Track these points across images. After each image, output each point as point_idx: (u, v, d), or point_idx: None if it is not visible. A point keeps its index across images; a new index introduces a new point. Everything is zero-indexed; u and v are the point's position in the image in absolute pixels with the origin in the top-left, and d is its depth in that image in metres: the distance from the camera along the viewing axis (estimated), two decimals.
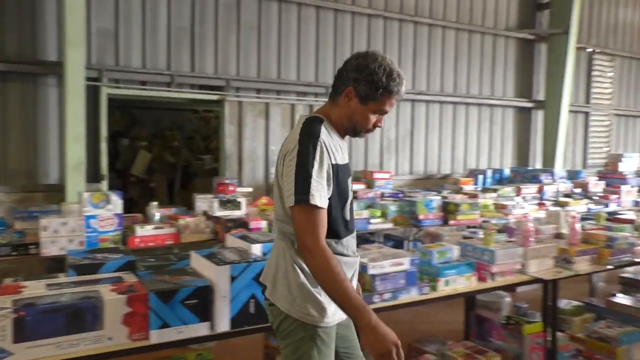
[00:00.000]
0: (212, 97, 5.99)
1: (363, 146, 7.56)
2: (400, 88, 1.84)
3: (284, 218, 1.83)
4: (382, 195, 5.80)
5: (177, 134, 8.96)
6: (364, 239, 5.57)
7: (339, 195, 1.84)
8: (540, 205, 5.94)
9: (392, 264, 2.57)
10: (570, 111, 9.25)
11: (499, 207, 5.46)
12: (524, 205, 5.78)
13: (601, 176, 7.49)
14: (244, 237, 2.73)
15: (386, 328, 1.70)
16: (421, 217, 4.96)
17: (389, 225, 4.94)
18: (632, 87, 10.78)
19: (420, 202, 5.01)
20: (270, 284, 1.89)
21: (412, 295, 2.64)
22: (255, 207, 4.76)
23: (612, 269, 3.56)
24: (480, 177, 7.40)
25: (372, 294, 2.52)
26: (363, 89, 1.81)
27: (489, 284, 2.95)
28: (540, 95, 9.10)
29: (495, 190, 6.27)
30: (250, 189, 5.37)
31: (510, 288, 5.10)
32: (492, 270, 2.94)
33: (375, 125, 1.91)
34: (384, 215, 4.94)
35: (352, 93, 1.83)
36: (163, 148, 8.46)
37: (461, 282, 2.83)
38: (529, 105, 9.06)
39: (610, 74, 10.16)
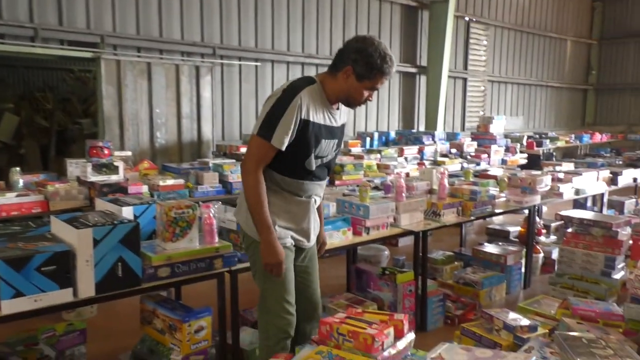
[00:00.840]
0: (85, 54, 5.52)
1: (254, 109, 7.48)
2: (391, 69, 2.15)
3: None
4: None
5: (49, 96, 8.19)
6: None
7: (303, 146, 2.12)
8: (420, 164, 6.32)
9: None
10: (450, 77, 9.85)
11: (382, 167, 5.72)
12: (405, 165, 6.12)
13: (475, 137, 8.12)
14: (114, 201, 2.59)
15: (279, 247, 2.14)
16: None
17: None
18: (503, 55, 11.69)
19: None
20: (238, 207, 2.29)
21: None
22: (136, 172, 4.54)
23: (474, 219, 3.91)
24: (368, 139, 7.67)
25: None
26: (360, 68, 2.10)
27: (364, 237, 3.10)
28: (424, 61, 9.56)
29: (379, 152, 6.54)
30: (129, 153, 5.09)
31: (392, 242, 5.47)
32: (367, 225, 3.09)
33: (366, 99, 2.21)
34: None
35: (350, 71, 2.11)
36: (33, 111, 7.71)
37: (338, 237, 2.94)
38: (413, 70, 9.48)
39: (485, 42, 10.92)
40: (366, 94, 2.18)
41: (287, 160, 2.14)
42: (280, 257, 2.13)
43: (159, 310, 2.46)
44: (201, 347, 2.39)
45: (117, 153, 4.80)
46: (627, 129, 13.83)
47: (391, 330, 1.80)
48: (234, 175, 4.58)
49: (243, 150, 5.90)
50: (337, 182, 5.16)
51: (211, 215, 2.39)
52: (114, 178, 4.06)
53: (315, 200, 2.33)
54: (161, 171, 4.83)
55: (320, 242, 2.54)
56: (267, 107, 2.10)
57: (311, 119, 2.11)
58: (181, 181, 4.29)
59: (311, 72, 8.05)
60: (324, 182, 2.36)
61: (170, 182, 4.20)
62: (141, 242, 2.20)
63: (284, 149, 2.07)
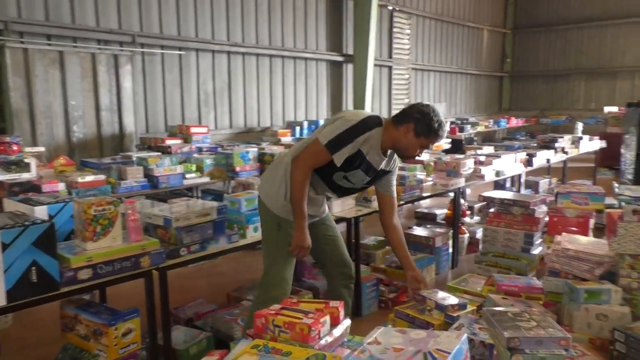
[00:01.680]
0: None
1: (179, 100, 7.22)
2: (444, 135, 2.54)
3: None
4: (201, 150, 5.65)
5: None
6: (184, 196, 5.40)
7: (343, 172, 2.48)
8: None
9: (197, 214, 2.50)
10: (376, 65, 10.02)
11: None
12: None
13: None
14: (25, 200, 2.39)
15: (308, 235, 2.47)
16: (238, 169, 4.95)
17: (206, 180, 4.84)
18: (426, 44, 12.06)
19: (237, 154, 4.99)
20: (262, 183, 2.64)
21: (221, 244, 2.62)
22: (51, 169, 4.24)
23: (404, 204, 4.00)
24: (298, 128, 7.65)
25: (178, 246, 2.43)
26: (421, 127, 2.44)
27: None
28: (350, 50, 9.64)
29: None
30: (42, 149, 4.74)
31: None
32: None
33: (415, 155, 2.56)
34: (199, 169, 4.81)
35: (412, 127, 2.45)
36: None
37: None
38: (340, 59, 9.54)
39: (408, 31, 11.19)
40: (419, 149, 2.52)
41: (326, 165, 2.47)
42: (307, 243, 2.46)
43: (81, 315, 2.30)
44: (130, 351, 2.27)
45: (28, 149, 4.46)
46: (540, 114, 14.77)
47: (327, 318, 1.79)
48: (160, 168, 4.40)
49: (169, 142, 5.68)
50: None
51: (135, 211, 2.26)
52: (25, 176, 3.77)
53: (327, 198, 2.72)
54: (79, 167, 4.55)
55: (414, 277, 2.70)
56: (340, 125, 2.40)
57: (364, 153, 2.46)
58: (102, 177, 4.06)
59: (237, 62, 7.89)
60: (337, 195, 2.76)
61: (89, 178, 3.95)
62: (58, 243, 2.05)
63: (338, 165, 2.42)
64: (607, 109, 11.08)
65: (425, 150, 2.61)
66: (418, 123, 2.44)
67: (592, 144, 7.34)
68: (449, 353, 1.37)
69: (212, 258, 2.65)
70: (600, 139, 7.75)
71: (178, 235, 2.42)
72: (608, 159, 8.89)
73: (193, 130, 6.15)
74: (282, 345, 1.63)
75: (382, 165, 2.58)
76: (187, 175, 4.66)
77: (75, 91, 5.72)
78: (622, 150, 5.47)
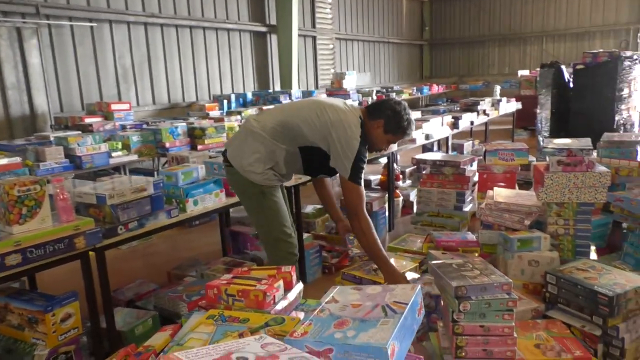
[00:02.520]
0: None
1: (95, 76, 6.77)
2: (411, 133, 2.67)
3: (289, 134, 2.53)
4: (125, 128, 5.36)
5: None
6: (110, 175, 5.11)
7: (324, 156, 2.56)
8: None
9: (133, 190, 2.38)
10: (300, 35, 9.92)
11: None
12: None
13: (330, 93, 8.34)
14: None
15: (400, 273, 2.47)
16: (167, 144, 4.75)
17: (134, 157, 4.60)
18: (348, 13, 12.08)
19: (165, 130, 4.78)
20: (234, 153, 2.60)
21: (161, 220, 2.52)
22: None
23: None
24: (225, 102, 7.45)
25: (115, 225, 2.30)
26: (390, 125, 2.56)
27: (236, 198, 3.01)
28: (273, 20, 9.45)
29: (239, 113, 6.39)
30: None
31: None
32: None
33: (383, 149, 2.71)
34: (126, 147, 4.57)
35: (382, 123, 2.55)
36: None
37: (210, 200, 2.81)
38: (263, 29, 9.34)
39: (330, 0, 11.13)
40: (386, 144, 2.66)
41: (313, 158, 2.60)
42: (404, 279, 2.43)
43: (12, 304, 2.14)
44: (71, 336, 2.14)
45: None
46: (459, 80, 15.37)
47: (281, 282, 1.78)
48: (82, 148, 4.13)
49: (88, 120, 5.34)
50: (199, 147, 4.93)
51: (64, 190, 2.11)
52: None
53: None
54: None
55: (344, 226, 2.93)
56: (348, 152, 2.44)
57: None
58: (17, 159, 3.74)
59: (156, 34, 7.50)
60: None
61: (3, 161, 3.63)
62: None
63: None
64: (520, 73, 11.72)
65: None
66: (388, 120, 2.54)
67: (510, 106, 7.74)
68: (406, 304, 1.40)
69: (153, 234, 2.53)
70: (516, 101, 8.20)
71: (114, 213, 2.29)
72: (523, 119, 9.46)
73: (114, 107, 5.81)
74: (239, 313, 1.61)
75: None
76: (114, 154, 4.40)
77: None
78: (538, 111, 5.82)
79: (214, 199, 2.83)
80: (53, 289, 2.41)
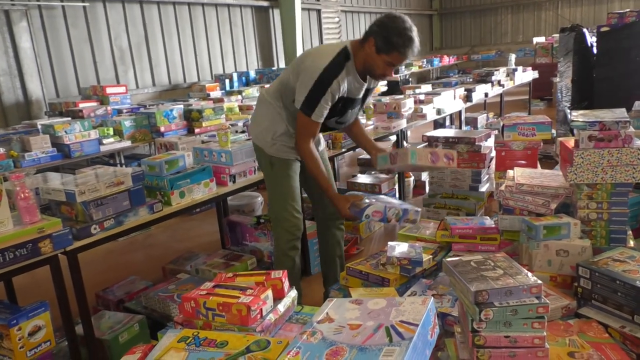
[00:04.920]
0: None
1: (90, 58, 6.50)
2: (408, 51, 2.23)
3: (283, 90, 2.40)
4: (120, 112, 5.10)
5: None
6: (105, 164, 4.88)
7: (330, 113, 2.35)
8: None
9: (108, 184, 2.12)
10: (304, 9, 9.52)
11: (245, 109, 5.31)
12: None
13: None
14: None
15: (343, 202, 2.36)
16: (162, 129, 4.49)
17: (127, 144, 4.36)
18: None
19: (159, 113, 4.52)
20: (252, 124, 2.59)
21: (142, 216, 2.26)
22: None
23: (346, 151, 3.73)
24: (227, 81, 7.15)
25: (89, 224, 2.05)
26: (380, 42, 2.21)
27: (230, 187, 2.75)
28: None
29: (240, 93, 6.10)
30: None
31: (264, 185, 5.18)
32: (231, 172, 2.73)
33: (383, 74, 2.32)
34: (118, 133, 4.32)
35: (372, 42, 2.23)
36: None
37: (199, 191, 2.55)
38: (265, 4, 8.96)
39: None
40: (382, 67, 2.28)
41: None
42: (345, 211, 2.35)
43: None
44: (42, 351, 1.92)
45: None
46: (470, 50, 14.82)
47: (269, 293, 1.52)
48: (70, 135, 3.88)
49: (82, 105, 5.10)
50: (196, 130, 4.66)
51: (25, 187, 1.86)
52: None
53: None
54: None
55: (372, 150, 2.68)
56: (307, 81, 2.23)
57: (345, 96, 2.32)
58: (0, 150, 3.52)
59: (153, 12, 7.18)
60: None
61: None
62: None
63: (321, 121, 2.31)
64: (535, 40, 11.19)
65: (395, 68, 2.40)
66: (377, 37, 2.22)
67: (526, 75, 7.33)
68: (416, 325, 1.13)
69: (132, 233, 2.28)
70: (532, 70, 7.77)
71: (86, 211, 2.04)
72: (539, 90, 9.02)
73: (109, 90, 5.56)
74: (216, 334, 1.35)
75: (364, 88, 2.46)
76: (105, 141, 4.16)
77: None
78: (557, 79, 5.43)
79: (203, 189, 2.57)
80: (25, 298, 2.19)
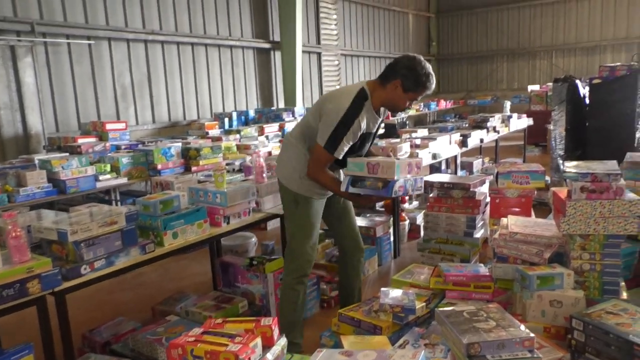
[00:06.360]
0: None
1: (92, 95, 6.58)
2: (431, 86, 2.55)
3: (307, 132, 2.60)
4: (119, 149, 5.13)
5: None
6: (100, 200, 4.88)
7: (354, 149, 2.58)
8: (282, 142, 6.06)
9: (101, 224, 2.11)
10: (305, 51, 9.72)
11: (243, 148, 5.36)
12: (266, 144, 5.82)
13: None
14: None
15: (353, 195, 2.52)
16: (159, 166, 4.51)
17: (123, 180, 4.36)
18: (353, 29, 11.90)
19: (157, 150, 4.54)
20: (278, 166, 2.73)
21: (133, 256, 2.25)
22: None
23: None
24: (227, 120, 7.23)
25: (79, 264, 2.03)
26: (408, 83, 2.49)
27: (224, 228, 2.74)
28: (277, 36, 9.28)
29: (238, 132, 6.16)
30: None
31: (260, 226, 5.16)
32: (225, 213, 2.73)
33: (405, 108, 2.63)
34: (115, 169, 4.33)
35: (399, 84, 2.49)
36: None
37: (192, 232, 2.54)
38: (267, 46, 9.16)
39: (335, 16, 10.96)
40: (407, 103, 2.58)
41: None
42: (357, 198, 2.54)
43: None
44: None
45: None
46: (467, 95, 15.09)
47: (258, 341, 1.50)
48: (67, 171, 3.89)
49: (81, 141, 5.11)
50: (193, 169, 4.69)
51: (17, 226, 1.85)
52: None
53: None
54: None
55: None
56: (331, 122, 2.43)
57: (363, 131, 2.52)
58: None
59: (156, 51, 7.32)
60: None
61: None
62: None
63: (341, 157, 2.51)
64: (530, 88, 11.42)
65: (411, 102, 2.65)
66: (405, 79, 2.48)
67: (521, 122, 7.45)
68: None
69: (123, 274, 2.25)
70: (527, 116, 7.90)
71: (77, 250, 2.03)
72: (534, 136, 9.14)
73: (109, 126, 5.59)
74: None
75: (379, 122, 2.72)
76: (101, 177, 4.17)
77: None
78: (551, 127, 5.52)
79: (196, 230, 2.56)
80: (9, 339, 2.14)
